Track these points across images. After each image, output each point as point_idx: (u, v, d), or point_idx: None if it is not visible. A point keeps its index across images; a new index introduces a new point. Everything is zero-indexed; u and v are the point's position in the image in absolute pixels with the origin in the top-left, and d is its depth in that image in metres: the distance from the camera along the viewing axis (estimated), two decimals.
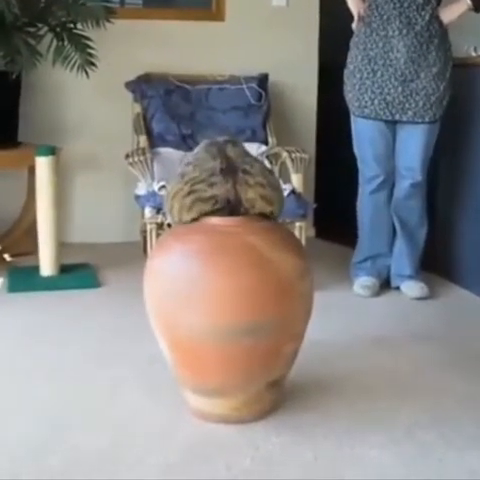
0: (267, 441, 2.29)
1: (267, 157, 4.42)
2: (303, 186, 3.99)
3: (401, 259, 3.83)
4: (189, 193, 2.27)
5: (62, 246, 4.34)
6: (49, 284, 3.86)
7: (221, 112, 4.56)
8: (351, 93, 3.69)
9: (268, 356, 2.26)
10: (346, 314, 3.54)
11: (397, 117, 3.59)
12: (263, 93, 4.59)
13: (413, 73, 3.53)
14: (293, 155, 4.08)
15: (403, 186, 3.72)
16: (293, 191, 3.89)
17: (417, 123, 3.60)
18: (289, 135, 4.69)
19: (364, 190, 3.80)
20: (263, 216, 2.32)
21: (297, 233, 3.78)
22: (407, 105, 3.56)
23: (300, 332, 2.34)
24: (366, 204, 3.81)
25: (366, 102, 3.61)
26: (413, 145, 3.65)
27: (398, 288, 3.83)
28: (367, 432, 2.37)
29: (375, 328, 3.35)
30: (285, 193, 3.79)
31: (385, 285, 3.87)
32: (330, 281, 3.90)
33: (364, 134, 3.72)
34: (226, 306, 2.17)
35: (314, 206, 3.97)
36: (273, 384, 2.35)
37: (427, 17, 3.52)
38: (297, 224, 3.80)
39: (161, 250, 2.31)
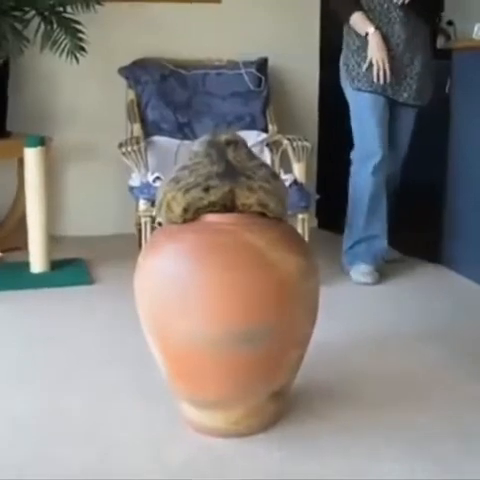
0: (268, 456, 2.11)
1: (267, 145, 4.24)
2: (305, 176, 3.79)
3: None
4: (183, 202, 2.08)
5: (54, 240, 4.20)
6: (39, 281, 3.67)
7: (219, 98, 4.37)
8: (355, 71, 3.70)
9: (270, 365, 2.08)
10: (349, 310, 3.35)
11: (395, 97, 3.70)
12: (262, 78, 4.40)
13: (408, 59, 3.68)
14: (294, 143, 3.88)
15: (393, 165, 3.84)
16: (295, 182, 3.70)
17: (410, 106, 3.77)
18: (290, 122, 4.50)
19: (362, 169, 3.74)
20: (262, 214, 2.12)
21: (299, 226, 3.62)
22: (402, 87, 3.70)
23: (305, 337, 2.15)
24: (366, 184, 3.73)
25: (374, 77, 3.62)
26: (403, 128, 3.82)
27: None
28: (377, 444, 2.18)
29: (381, 325, 3.17)
30: (287, 183, 3.65)
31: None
32: (332, 275, 3.72)
33: (369, 108, 3.70)
34: (223, 311, 1.98)
35: (317, 197, 3.78)
36: (276, 394, 2.16)
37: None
38: (299, 216, 3.63)
39: (152, 250, 2.12)
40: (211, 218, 2.06)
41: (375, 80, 3.60)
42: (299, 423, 2.29)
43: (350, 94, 3.77)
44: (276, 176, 2.16)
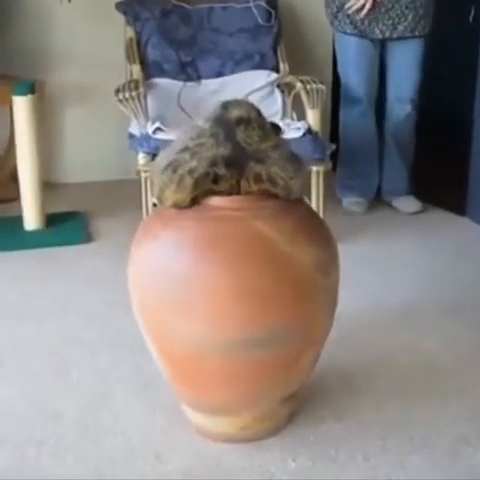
0: (282, 467, 1.88)
1: (278, 86, 3.90)
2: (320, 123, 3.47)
3: (395, 176, 3.90)
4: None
5: (52, 187, 3.98)
6: (33, 241, 3.42)
7: (225, 35, 4.01)
8: (341, 12, 3.63)
9: (284, 368, 1.82)
10: (366, 274, 3.07)
11: (387, 34, 3.61)
12: (273, 12, 4.01)
13: None
14: (308, 86, 3.55)
15: (399, 112, 3.78)
16: (309, 130, 3.38)
17: (408, 38, 3.63)
18: (303, 60, 4.15)
19: (349, 112, 3.81)
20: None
21: (314, 179, 3.33)
22: (397, 20, 3.57)
23: (323, 336, 1.89)
24: (354, 127, 3.80)
25: (358, 20, 3.59)
26: (405, 64, 3.69)
27: (390, 205, 3.92)
28: (402, 450, 1.94)
29: (398, 292, 2.91)
30: (300, 133, 3.34)
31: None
32: (347, 229, 3.46)
33: (354, 53, 3.70)
34: (230, 312, 1.71)
35: (332, 148, 3.47)
36: (289, 398, 1.92)
37: None
38: (314, 169, 3.32)
39: (146, 238, 1.82)
40: (215, 201, 1.77)
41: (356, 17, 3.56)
42: (314, 423, 2.05)
43: (335, 37, 3.78)
44: (294, 158, 1.83)
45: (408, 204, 3.87)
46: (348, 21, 3.62)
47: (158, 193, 1.79)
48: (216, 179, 1.73)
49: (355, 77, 3.73)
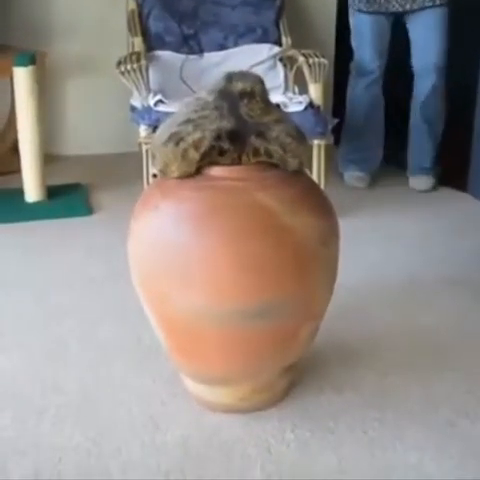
0: (280, 438, 1.88)
1: (280, 60, 3.88)
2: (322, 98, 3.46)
3: (422, 152, 3.89)
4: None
5: (53, 160, 3.98)
6: (33, 213, 3.41)
7: (228, 7, 3.98)
8: None
9: (283, 340, 1.82)
10: (367, 248, 3.07)
11: (407, 7, 3.63)
12: None
13: None
14: (310, 60, 3.53)
15: (425, 83, 3.76)
16: (311, 104, 3.37)
17: (427, 7, 3.62)
18: (306, 35, 4.13)
19: (359, 83, 3.85)
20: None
21: (315, 153, 3.33)
22: None
23: (322, 308, 1.89)
24: (361, 98, 3.85)
25: None
26: (428, 33, 3.67)
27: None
28: (400, 423, 1.95)
29: (400, 266, 2.91)
30: (302, 106, 3.33)
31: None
32: (349, 203, 3.46)
33: (368, 29, 3.74)
34: (230, 283, 1.71)
35: (335, 122, 3.45)
36: (288, 369, 1.92)
37: None
38: (315, 142, 3.32)
39: (146, 209, 1.82)
40: (216, 172, 1.76)
41: None
42: (313, 395, 2.05)
43: (350, 13, 3.81)
44: (296, 133, 1.81)
45: (421, 182, 3.87)
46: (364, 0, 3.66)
47: (162, 166, 1.77)
48: (221, 152, 1.72)
49: (369, 52, 3.78)
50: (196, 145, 1.71)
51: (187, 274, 1.72)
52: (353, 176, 3.92)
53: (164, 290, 1.77)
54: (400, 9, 3.65)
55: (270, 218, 1.70)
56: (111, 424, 1.93)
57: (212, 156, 1.73)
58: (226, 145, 1.72)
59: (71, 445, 1.85)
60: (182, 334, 1.81)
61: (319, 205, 1.82)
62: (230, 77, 1.78)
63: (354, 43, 3.84)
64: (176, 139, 1.72)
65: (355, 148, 3.93)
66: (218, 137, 1.71)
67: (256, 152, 1.74)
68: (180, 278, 1.73)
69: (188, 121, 1.74)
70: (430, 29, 3.68)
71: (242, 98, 1.74)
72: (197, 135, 1.71)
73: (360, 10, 3.71)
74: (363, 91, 3.84)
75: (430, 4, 3.62)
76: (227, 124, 1.71)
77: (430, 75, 3.73)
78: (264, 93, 1.79)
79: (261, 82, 1.80)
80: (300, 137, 1.80)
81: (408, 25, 3.73)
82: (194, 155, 1.73)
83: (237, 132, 1.71)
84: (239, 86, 1.75)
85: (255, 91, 1.75)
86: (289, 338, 1.83)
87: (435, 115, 3.82)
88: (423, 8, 3.63)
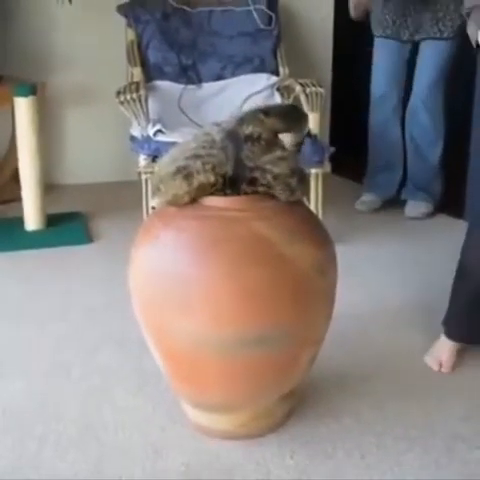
0: (280, 464, 1.90)
1: (278, 89, 3.92)
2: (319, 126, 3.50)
3: (410, 176, 3.97)
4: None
5: (53, 189, 4.02)
6: (33, 241, 3.44)
7: (226, 38, 4.03)
8: (374, 14, 3.80)
9: (282, 368, 1.85)
10: (366, 272, 3.10)
11: (416, 37, 3.72)
12: (273, 16, 4.04)
13: None
14: (308, 90, 3.57)
15: (412, 102, 3.84)
16: (308, 133, 3.39)
17: (428, 39, 3.69)
18: (302, 64, 4.17)
19: (376, 110, 3.93)
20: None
21: (313, 182, 3.36)
22: (420, 22, 3.66)
23: (321, 335, 1.91)
24: (379, 124, 3.92)
25: (388, 23, 3.73)
26: (425, 63, 3.75)
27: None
28: (398, 448, 1.96)
29: (399, 292, 2.94)
30: None
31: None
32: (347, 231, 3.50)
33: (380, 53, 3.82)
34: (230, 312, 1.74)
35: (332, 150, 3.49)
36: (287, 396, 1.95)
37: None
38: (313, 171, 3.35)
39: (147, 238, 1.85)
40: (215, 202, 1.79)
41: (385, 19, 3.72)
42: (311, 422, 2.07)
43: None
44: (295, 167, 1.85)
45: (417, 209, 3.90)
46: (377, 25, 3.77)
47: (171, 197, 1.81)
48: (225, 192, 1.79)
49: (382, 77, 3.85)
50: (202, 187, 1.77)
51: (187, 303, 1.75)
52: (367, 199, 4.00)
53: (164, 319, 1.79)
54: (410, 38, 3.72)
55: (268, 248, 1.73)
56: (112, 451, 1.95)
57: (211, 190, 1.79)
58: (226, 189, 1.78)
59: (72, 472, 1.86)
60: (182, 362, 1.84)
61: (317, 234, 1.85)
62: (242, 121, 1.82)
63: (372, 68, 3.90)
64: (186, 174, 1.77)
65: (373, 171, 4.03)
66: (220, 177, 1.76)
67: (254, 182, 1.78)
68: (180, 307, 1.76)
69: (197, 156, 1.78)
70: (427, 61, 3.75)
71: (246, 141, 1.78)
72: (202, 178, 1.76)
73: (375, 35, 3.80)
74: (378, 117, 3.92)
75: (436, 36, 3.67)
76: (229, 170, 1.76)
77: (418, 109, 3.83)
78: (271, 136, 1.83)
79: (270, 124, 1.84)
80: (299, 172, 1.84)
81: (418, 54, 3.79)
82: (198, 193, 1.78)
83: (235, 177, 1.77)
84: (247, 130, 1.79)
85: (261, 136, 1.79)
86: (288, 365, 1.85)
87: (426, 151, 3.89)
88: (427, 39, 3.69)
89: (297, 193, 1.82)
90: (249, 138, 1.79)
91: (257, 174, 1.77)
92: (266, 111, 1.85)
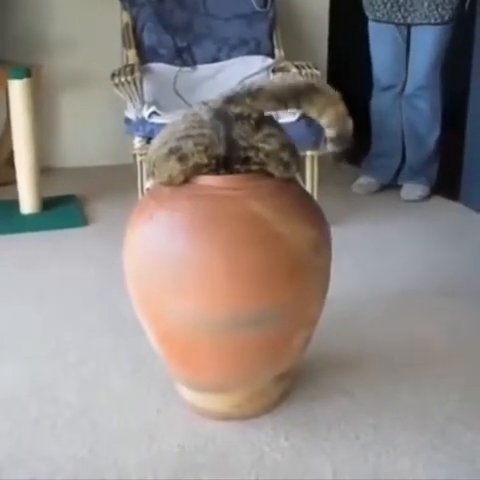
0: (275, 445, 1.90)
1: (273, 71, 3.91)
2: None
3: (407, 159, 3.97)
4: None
5: (48, 172, 4.01)
6: (29, 224, 3.44)
7: (221, 20, 4.01)
8: None
9: (277, 348, 1.85)
10: (363, 256, 3.10)
11: (409, 20, 3.66)
12: None
13: None
14: (303, 71, 3.56)
15: (409, 87, 3.82)
16: (303, 115, 3.39)
17: (425, 24, 3.64)
18: (298, 47, 4.17)
19: (377, 95, 3.93)
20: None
21: (308, 164, 3.36)
22: (415, 7, 3.62)
23: (316, 315, 1.91)
24: (380, 108, 3.93)
25: (379, 6, 3.70)
26: (420, 48, 3.71)
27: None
28: (394, 432, 1.96)
29: (394, 275, 2.94)
30: (294, 117, 3.36)
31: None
32: (343, 213, 3.49)
33: (376, 38, 3.80)
34: (224, 291, 1.74)
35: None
36: (281, 376, 1.95)
37: None
38: (308, 153, 3.35)
39: (141, 218, 1.84)
40: (209, 181, 1.79)
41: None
42: (307, 403, 2.07)
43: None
44: (288, 143, 1.85)
45: (413, 192, 3.91)
46: (370, 7, 3.74)
47: (166, 178, 1.81)
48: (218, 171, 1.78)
49: (382, 63, 3.85)
50: (196, 166, 1.76)
51: (181, 283, 1.75)
52: (365, 182, 4.02)
53: (158, 299, 1.79)
54: (402, 21, 3.68)
55: (263, 227, 1.73)
56: (107, 433, 1.95)
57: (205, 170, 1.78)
58: (220, 169, 1.78)
59: (68, 455, 1.86)
60: (176, 343, 1.84)
61: (311, 214, 1.85)
62: (229, 100, 1.80)
63: (371, 54, 3.88)
64: (179, 155, 1.76)
65: (373, 156, 4.04)
66: (214, 158, 1.75)
67: (247, 161, 1.78)
68: (174, 287, 1.76)
69: (188, 137, 1.77)
70: (422, 47, 3.72)
71: (237, 120, 1.77)
72: (196, 158, 1.76)
73: (372, 20, 3.77)
74: (377, 101, 3.93)
75: (425, 21, 3.64)
76: (222, 151, 1.75)
77: (416, 96, 3.82)
78: (260, 114, 1.81)
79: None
80: (290, 146, 1.83)
81: (410, 39, 3.75)
82: (193, 173, 1.78)
83: (228, 158, 1.76)
84: (236, 110, 1.78)
85: (251, 115, 1.78)
86: (283, 345, 1.86)
87: (427, 125, 3.87)
88: (421, 24, 3.66)
89: (292, 168, 1.82)
90: (239, 117, 1.77)
91: (251, 153, 1.76)
92: (254, 94, 1.82)
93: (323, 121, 1.86)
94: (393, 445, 1.91)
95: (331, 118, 1.85)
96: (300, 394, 2.10)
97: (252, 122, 1.78)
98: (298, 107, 1.87)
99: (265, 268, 1.72)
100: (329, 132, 1.88)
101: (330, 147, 1.91)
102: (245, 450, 1.88)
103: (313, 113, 1.85)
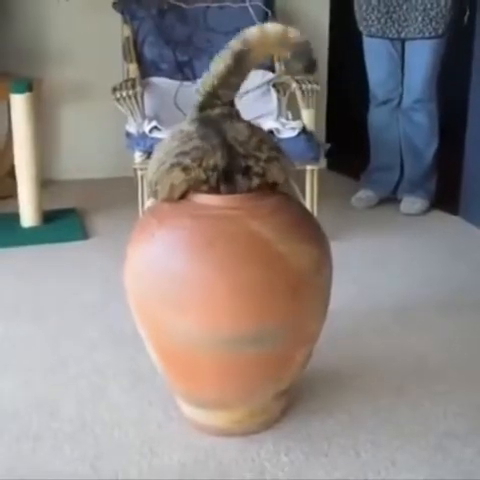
0: (275, 461, 1.91)
1: (274, 86, 3.92)
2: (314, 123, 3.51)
3: (406, 173, 3.97)
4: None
5: (49, 184, 4.03)
6: (29, 237, 3.45)
7: (221, 34, 4.01)
8: (358, 13, 3.75)
9: (277, 365, 1.86)
10: (361, 269, 3.11)
11: (403, 34, 3.66)
12: (269, 12, 4.04)
13: None
14: (303, 86, 3.57)
15: (406, 101, 3.82)
16: (304, 130, 3.42)
17: (419, 39, 3.64)
18: None
19: (374, 110, 3.95)
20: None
21: (308, 178, 3.38)
22: (409, 21, 3.61)
23: (316, 333, 1.93)
24: (373, 122, 3.96)
25: (373, 21, 3.69)
26: (416, 62, 3.71)
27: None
28: (392, 445, 1.97)
29: (392, 288, 2.95)
30: (295, 132, 3.38)
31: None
32: (342, 227, 3.50)
33: (371, 53, 3.82)
34: (225, 310, 1.75)
35: (327, 147, 3.50)
36: (282, 393, 1.96)
37: None
38: (308, 167, 3.37)
39: (142, 236, 1.86)
40: (210, 200, 1.81)
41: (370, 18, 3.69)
42: (306, 418, 2.08)
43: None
44: (279, 151, 1.87)
45: (412, 205, 3.91)
46: (364, 23, 3.73)
47: (168, 192, 1.82)
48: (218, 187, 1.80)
49: (375, 76, 3.86)
50: (197, 182, 1.78)
51: (182, 302, 1.76)
52: (364, 196, 4.01)
53: (159, 317, 1.80)
54: (396, 36, 3.68)
55: (263, 246, 1.74)
56: (108, 448, 1.96)
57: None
58: (221, 184, 1.79)
59: (68, 469, 1.87)
60: (177, 359, 1.85)
61: (312, 232, 1.86)
62: (202, 105, 1.83)
63: (367, 69, 3.89)
64: (182, 167, 1.77)
65: (372, 169, 4.05)
66: (214, 171, 1.76)
67: (248, 172, 1.79)
68: (175, 305, 1.77)
69: (183, 153, 1.78)
70: (417, 61, 3.72)
71: (224, 120, 1.77)
72: (197, 172, 1.77)
73: (366, 35, 3.76)
74: (374, 115, 3.94)
75: (419, 36, 3.63)
76: (220, 158, 1.75)
77: (413, 109, 3.82)
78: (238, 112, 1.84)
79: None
80: (285, 158, 1.87)
81: (405, 53, 3.75)
82: (194, 185, 1.81)
83: (230, 172, 1.77)
84: (216, 111, 1.79)
85: (233, 113, 1.78)
86: (283, 363, 1.87)
87: (425, 139, 3.87)
88: (415, 39, 3.65)
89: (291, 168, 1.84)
90: (223, 116, 1.78)
91: (251, 162, 1.77)
92: (213, 83, 1.87)
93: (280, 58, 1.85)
94: (392, 461, 1.91)
95: (281, 50, 1.84)
96: (300, 409, 2.11)
97: (238, 119, 1.79)
98: (251, 68, 1.85)
99: (266, 287, 1.74)
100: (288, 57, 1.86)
101: (293, 65, 1.89)
102: (246, 466, 1.89)
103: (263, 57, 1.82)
